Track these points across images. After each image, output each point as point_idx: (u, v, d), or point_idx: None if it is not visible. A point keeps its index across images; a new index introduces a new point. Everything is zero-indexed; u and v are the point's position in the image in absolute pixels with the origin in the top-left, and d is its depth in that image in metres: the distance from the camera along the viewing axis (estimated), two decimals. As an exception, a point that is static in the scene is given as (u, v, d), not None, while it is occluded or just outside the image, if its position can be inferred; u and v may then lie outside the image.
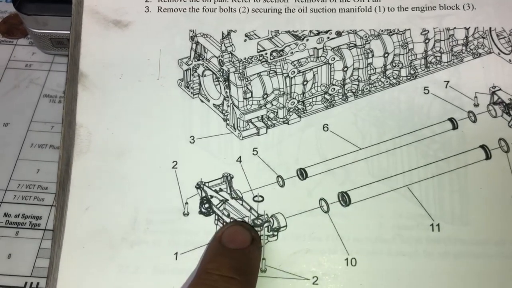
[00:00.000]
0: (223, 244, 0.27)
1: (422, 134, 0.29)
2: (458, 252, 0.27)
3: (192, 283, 0.27)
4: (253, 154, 0.30)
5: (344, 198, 0.29)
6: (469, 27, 0.31)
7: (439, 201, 0.28)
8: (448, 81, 0.30)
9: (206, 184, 0.30)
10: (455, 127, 0.29)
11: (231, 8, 0.32)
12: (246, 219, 0.29)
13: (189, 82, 0.31)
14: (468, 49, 0.30)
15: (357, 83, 0.30)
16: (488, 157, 0.28)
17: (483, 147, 0.29)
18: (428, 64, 0.30)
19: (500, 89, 0.29)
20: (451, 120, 0.29)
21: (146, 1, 0.32)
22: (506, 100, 0.29)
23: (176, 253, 0.28)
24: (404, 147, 0.29)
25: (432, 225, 0.28)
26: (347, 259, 0.28)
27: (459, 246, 0.28)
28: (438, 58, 0.30)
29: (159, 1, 0.32)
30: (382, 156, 0.29)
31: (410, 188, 0.29)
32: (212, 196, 0.29)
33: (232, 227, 0.28)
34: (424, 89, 0.30)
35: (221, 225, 0.29)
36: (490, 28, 0.30)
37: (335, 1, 0.31)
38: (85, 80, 0.31)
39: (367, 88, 0.30)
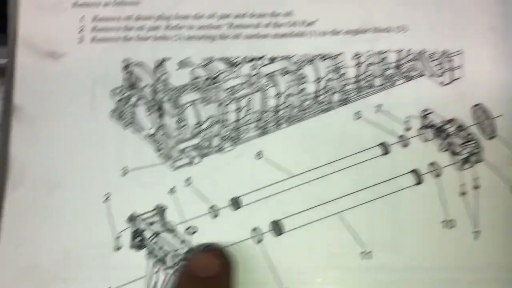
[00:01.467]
0: (194, 273, 0.27)
1: (354, 160, 0.29)
2: (389, 279, 0.27)
3: None
4: (186, 184, 0.29)
5: (277, 227, 0.28)
6: (402, 50, 0.30)
7: (370, 228, 0.28)
8: (380, 105, 0.30)
9: (139, 217, 0.29)
10: (386, 152, 0.29)
11: (165, 36, 0.31)
12: (179, 252, 0.28)
13: (122, 113, 0.31)
14: (400, 72, 0.30)
15: (290, 109, 0.30)
16: (419, 182, 0.28)
17: (414, 172, 0.28)
18: (360, 89, 0.30)
19: (431, 112, 0.29)
20: (382, 145, 0.29)
21: (79, 32, 0.32)
22: (438, 123, 0.29)
23: (109, 288, 0.28)
24: (336, 173, 0.29)
25: (363, 252, 0.28)
26: (280, 289, 0.28)
27: (391, 273, 0.27)
28: (370, 82, 0.30)
29: (92, 32, 0.32)
30: (314, 183, 0.29)
31: (341, 216, 0.28)
32: (144, 229, 0.29)
33: (200, 255, 0.28)
34: (356, 114, 0.30)
35: (153, 259, 0.29)
36: (422, 50, 0.30)
37: (268, 27, 0.31)
38: (19, 112, 0.31)
39: (299, 114, 0.30)
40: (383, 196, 0.28)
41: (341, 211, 0.28)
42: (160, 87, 0.31)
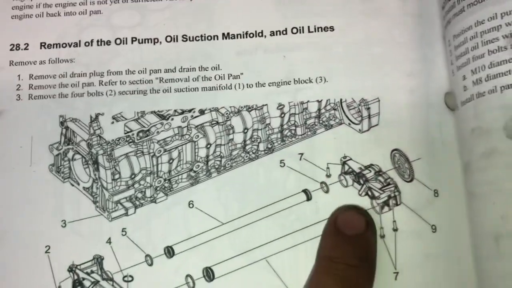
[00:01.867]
0: (341, 230, 0.28)
1: (280, 206, 0.30)
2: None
3: (317, 270, 0.27)
4: (122, 234, 0.31)
5: (208, 273, 0.30)
6: (321, 100, 0.32)
7: (295, 272, 0.29)
8: (302, 153, 0.31)
9: (78, 267, 0.30)
10: (309, 198, 0.31)
11: (98, 92, 0.33)
12: (117, 299, 0.30)
13: (60, 167, 0.32)
14: (321, 121, 0.32)
15: (219, 159, 0.32)
16: (340, 226, 0.30)
17: (335, 216, 0.30)
18: (284, 138, 0.32)
19: (350, 159, 0.31)
20: (305, 191, 0.31)
21: (17, 90, 0.33)
22: (356, 169, 0.31)
23: (51, 338, 0.29)
24: (263, 220, 0.30)
25: (289, 296, 0.29)
26: (212, 334, 0.29)
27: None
28: (293, 131, 0.32)
29: (29, 89, 0.33)
30: (243, 229, 0.30)
31: (268, 260, 0.30)
32: (84, 279, 0.30)
33: (346, 212, 0.29)
34: (281, 162, 0.31)
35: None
36: (341, 99, 0.32)
37: (198, 80, 0.32)
38: (-40, 169, 0.32)
39: (229, 164, 0.32)
40: (306, 241, 0.30)
41: (268, 256, 0.30)
42: (95, 142, 0.32)
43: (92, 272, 0.31)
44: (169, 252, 0.31)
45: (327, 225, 0.29)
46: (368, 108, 0.31)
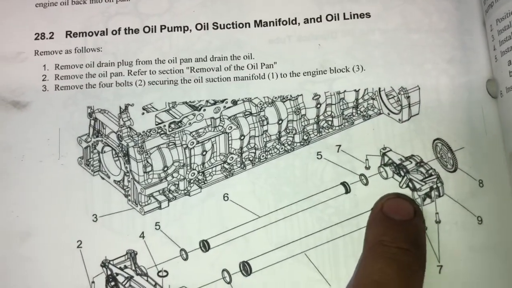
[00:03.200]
0: (389, 216, 0.28)
1: (317, 199, 0.30)
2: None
3: (367, 256, 0.27)
4: (155, 228, 0.30)
5: (245, 268, 0.29)
6: (359, 89, 0.31)
7: (334, 266, 0.29)
8: (339, 145, 0.30)
9: (111, 262, 0.30)
10: (347, 191, 0.30)
11: (127, 82, 0.32)
12: (152, 295, 0.29)
13: (89, 160, 0.31)
14: (359, 112, 0.31)
15: (254, 151, 0.31)
16: (380, 219, 0.29)
17: (375, 209, 0.30)
18: (320, 129, 0.31)
19: (390, 150, 0.30)
20: (343, 184, 0.30)
21: (43, 80, 0.32)
22: (397, 160, 0.30)
23: (85, 333, 0.29)
24: (300, 213, 0.30)
25: (329, 290, 0.29)
26: (250, 328, 0.29)
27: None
28: (330, 122, 0.31)
29: (55, 79, 0.32)
30: (279, 223, 0.30)
31: (307, 254, 0.29)
32: (117, 274, 0.30)
33: (393, 199, 0.29)
34: (317, 154, 0.30)
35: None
36: (379, 88, 0.31)
37: (230, 70, 0.32)
38: (-13, 162, 0.32)
39: (263, 156, 0.31)
40: (345, 234, 0.29)
41: (306, 250, 0.29)
42: (125, 133, 0.31)
43: (126, 267, 0.30)
44: (205, 246, 0.30)
45: (372, 213, 0.29)
46: (408, 97, 0.30)
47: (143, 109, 0.31)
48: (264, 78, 0.31)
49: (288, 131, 0.31)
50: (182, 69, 0.32)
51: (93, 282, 0.30)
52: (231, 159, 0.31)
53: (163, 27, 0.32)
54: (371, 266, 0.26)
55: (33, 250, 0.30)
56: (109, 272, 0.30)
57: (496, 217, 0.29)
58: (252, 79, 0.31)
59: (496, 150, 0.29)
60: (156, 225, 0.30)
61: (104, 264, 0.30)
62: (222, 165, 0.31)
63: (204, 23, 0.32)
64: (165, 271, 0.30)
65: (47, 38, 0.32)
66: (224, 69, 0.32)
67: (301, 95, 0.31)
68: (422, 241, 0.27)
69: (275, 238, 0.30)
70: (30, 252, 0.30)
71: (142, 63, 0.32)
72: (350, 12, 0.32)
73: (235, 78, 0.32)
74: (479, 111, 0.30)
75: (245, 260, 0.29)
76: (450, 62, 0.31)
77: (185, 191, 0.31)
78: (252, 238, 0.30)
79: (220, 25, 0.32)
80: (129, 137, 0.31)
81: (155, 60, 0.32)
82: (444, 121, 0.30)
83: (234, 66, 0.32)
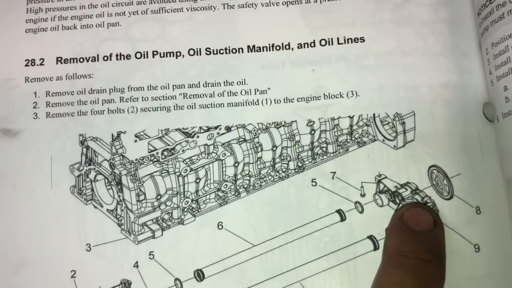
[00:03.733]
0: (408, 226, 0.27)
1: (312, 227, 0.29)
2: None
3: (387, 265, 0.27)
4: (149, 258, 0.30)
5: (241, 297, 0.29)
6: (353, 115, 0.31)
7: (331, 295, 0.29)
8: (334, 172, 0.30)
9: (105, 292, 0.30)
10: (343, 218, 0.30)
11: (120, 109, 0.31)
12: (147, 325, 0.29)
13: (82, 188, 0.31)
14: (353, 138, 0.31)
15: (248, 178, 0.31)
16: (376, 247, 0.29)
17: (370, 237, 0.29)
18: (315, 156, 0.31)
19: (385, 177, 0.30)
20: (338, 212, 0.30)
21: (34, 108, 0.31)
22: (392, 188, 0.29)
23: None
24: (295, 242, 0.29)
25: (325, 319, 0.29)
26: None
27: None
28: (324, 149, 0.31)
29: (47, 107, 0.31)
30: (275, 251, 0.29)
31: (302, 284, 0.29)
32: (111, 304, 0.30)
33: (413, 208, 0.28)
34: (312, 181, 0.30)
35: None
36: (374, 114, 0.31)
37: (223, 96, 0.31)
38: (-21, 192, 0.31)
39: (258, 183, 0.31)
40: (341, 263, 0.29)
41: (302, 280, 0.29)
42: (117, 161, 0.31)
43: (120, 297, 0.30)
44: (199, 275, 0.30)
45: (391, 222, 0.28)
46: (403, 123, 0.30)
47: (136, 136, 0.31)
48: (258, 104, 0.31)
49: (282, 157, 0.31)
50: (175, 95, 0.31)
51: (87, 312, 0.30)
52: (225, 186, 0.31)
53: (155, 52, 0.32)
54: (390, 276, 0.26)
55: (27, 281, 0.30)
56: (103, 303, 0.30)
57: (494, 244, 0.28)
58: (246, 105, 0.31)
59: (494, 176, 0.29)
60: (150, 254, 0.30)
61: (98, 294, 0.30)
62: (216, 192, 0.31)
63: (197, 49, 0.32)
64: (159, 301, 0.30)
65: (37, 65, 0.32)
66: (218, 95, 0.31)
67: (295, 121, 0.31)
68: (442, 252, 0.27)
69: (270, 267, 0.29)
70: (24, 282, 0.30)
71: (134, 89, 0.31)
72: (344, 37, 0.31)
73: (229, 104, 0.31)
74: (475, 136, 0.30)
75: (240, 290, 0.29)
76: (446, 86, 0.30)
77: (179, 220, 0.30)
78: (247, 267, 0.29)
79: (213, 50, 0.32)
80: (122, 165, 0.31)
81: (148, 86, 0.31)
82: (440, 147, 0.30)
83: (228, 92, 0.31)
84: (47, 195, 0.31)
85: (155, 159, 0.31)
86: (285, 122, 0.31)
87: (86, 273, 0.30)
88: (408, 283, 0.25)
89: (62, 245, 0.30)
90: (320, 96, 0.31)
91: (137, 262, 0.30)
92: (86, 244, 0.30)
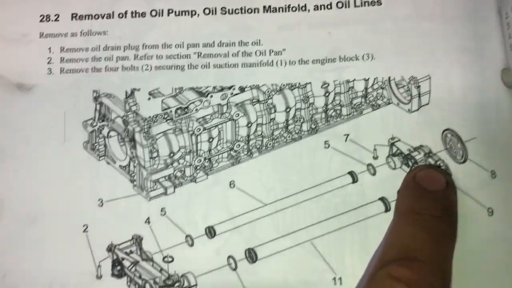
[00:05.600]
0: (421, 185, 0.28)
1: (324, 189, 0.30)
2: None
3: (399, 222, 0.27)
4: (161, 214, 0.30)
5: (251, 255, 0.29)
6: (368, 78, 0.30)
7: (340, 255, 0.29)
8: (347, 135, 0.30)
9: (117, 247, 0.30)
10: (354, 180, 0.30)
11: (134, 67, 0.31)
12: (157, 280, 0.29)
13: (95, 144, 0.31)
14: (368, 101, 0.31)
15: (261, 138, 0.31)
16: (387, 209, 0.29)
17: (382, 199, 0.29)
18: (329, 118, 0.31)
19: (399, 140, 0.30)
20: (350, 173, 0.30)
21: (48, 63, 0.31)
22: (405, 151, 0.30)
23: (91, 316, 0.29)
24: (306, 202, 0.30)
25: (334, 278, 0.29)
26: (254, 315, 0.29)
27: (360, 299, 0.29)
28: (338, 111, 0.31)
29: (61, 62, 0.31)
30: (286, 211, 0.30)
31: (313, 243, 0.29)
32: (123, 259, 0.30)
33: (426, 169, 0.29)
34: (325, 143, 0.30)
35: (134, 287, 0.29)
36: (389, 77, 0.30)
37: (237, 56, 0.31)
38: (-7, 146, 0.31)
39: (270, 144, 0.31)
40: (352, 224, 0.29)
41: (312, 239, 0.29)
42: (131, 118, 0.31)
43: (132, 252, 0.30)
44: (210, 232, 0.30)
45: (404, 181, 0.29)
46: (418, 87, 0.30)
47: (150, 94, 0.31)
48: (273, 65, 0.31)
49: (296, 119, 0.31)
50: (189, 54, 0.31)
51: (99, 266, 0.30)
52: (238, 146, 0.31)
53: (170, 11, 0.32)
54: (402, 231, 0.26)
55: (42, 233, 0.30)
56: (115, 257, 0.30)
57: (508, 208, 0.28)
58: (260, 66, 0.31)
59: (510, 140, 0.29)
60: (162, 211, 0.30)
61: (110, 249, 0.30)
62: (229, 152, 0.31)
63: (212, 8, 0.32)
64: (170, 256, 0.30)
65: (52, 21, 0.32)
66: (232, 55, 0.31)
67: (310, 83, 0.31)
68: (454, 211, 0.27)
69: (281, 226, 0.30)
70: (39, 234, 0.30)
71: (148, 47, 0.31)
72: (361, 0, 0.31)
73: (243, 65, 0.31)
74: (492, 101, 0.29)
75: (251, 247, 0.29)
76: (463, 51, 0.30)
77: (191, 178, 0.31)
78: (258, 225, 0.30)
79: (229, 10, 0.32)
80: (135, 122, 0.31)
81: (162, 44, 0.31)
82: (454, 111, 0.30)
83: (242, 52, 0.31)
84: (60, 150, 0.31)
85: (168, 117, 0.31)
86: (299, 83, 0.31)
87: (98, 228, 0.30)
88: (420, 237, 0.25)
89: (75, 200, 0.30)
90: (335, 59, 0.31)
91: (148, 218, 0.30)
92: (99, 199, 0.30)
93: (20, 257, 0.30)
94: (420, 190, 0.27)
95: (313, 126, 0.31)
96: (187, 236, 0.30)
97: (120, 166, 0.31)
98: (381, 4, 0.31)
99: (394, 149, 0.30)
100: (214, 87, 0.31)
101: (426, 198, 0.27)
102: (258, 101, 0.31)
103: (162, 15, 0.32)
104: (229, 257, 0.29)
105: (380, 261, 0.26)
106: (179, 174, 0.31)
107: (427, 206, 0.26)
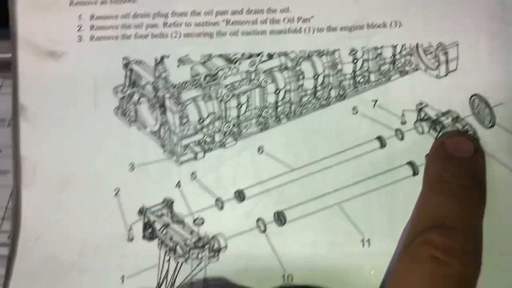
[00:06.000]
0: (449, 153, 0.28)
1: (352, 154, 0.30)
2: (387, 265, 0.29)
3: (427, 191, 0.28)
4: (191, 178, 0.31)
5: (280, 217, 0.30)
6: (396, 45, 0.31)
7: (369, 217, 0.29)
8: (376, 100, 0.30)
9: (148, 210, 0.31)
10: (383, 145, 0.30)
11: (163, 34, 0.32)
12: (188, 242, 0.30)
13: (125, 110, 0.32)
14: (396, 67, 0.31)
15: (289, 105, 0.31)
16: (415, 173, 0.29)
17: (410, 163, 0.30)
18: (357, 84, 0.31)
19: (427, 105, 0.30)
20: (378, 138, 0.30)
21: (78, 31, 0.32)
22: (433, 116, 0.30)
23: (123, 277, 0.30)
24: (335, 167, 0.30)
25: (362, 240, 0.29)
26: (283, 275, 0.29)
27: (389, 259, 0.29)
28: (366, 77, 0.31)
29: (91, 30, 0.32)
30: (314, 176, 0.30)
31: (341, 206, 0.30)
32: (154, 221, 0.31)
33: (454, 136, 0.29)
34: (353, 109, 0.30)
35: (164, 249, 0.30)
36: (417, 44, 0.31)
37: (266, 23, 0.31)
38: (25, 112, 0.32)
39: (298, 110, 0.31)
40: (380, 187, 0.30)
41: (341, 202, 0.30)
42: (161, 85, 0.31)
43: (162, 215, 0.31)
44: (240, 196, 0.31)
45: (432, 149, 0.29)
46: (446, 53, 0.30)
47: (179, 61, 0.31)
48: (301, 32, 0.31)
49: (324, 85, 0.31)
50: (218, 22, 0.31)
51: (130, 229, 0.31)
52: (266, 112, 0.31)
53: (199, -22, 0.32)
54: (431, 200, 0.27)
55: (74, 197, 0.31)
56: (146, 220, 0.31)
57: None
58: (288, 32, 0.31)
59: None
60: (192, 175, 0.31)
61: (142, 212, 0.31)
62: (257, 118, 0.31)
63: (241, -25, 0.32)
64: (201, 219, 0.31)
65: (82, -12, 0.32)
66: (260, 22, 0.31)
67: (338, 50, 0.31)
68: (482, 178, 0.28)
69: (309, 190, 0.30)
70: (71, 198, 0.31)
71: (177, 15, 0.32)
72: (390, -34, 0.31)
73: (271, 32, 0.31)
74: (519, 68, 0.30)
75: (279, 210, 0.30)
76: (491, 18, 0.30)
77: (221, 143, 0.31)
78: (287, 189, 0.30)
79: (257, -24, 0.32)
80: (165, 88, 0.31)
81: (191, 12, 0.31)
82: (482, 77, 0.30)
83: (271, 20, 0.31)
84: (91, 115, 0.31)
85: (197, 84, 0.31)
86: (327, 50, 0.31)
87: (130, 191, 0.31)
88: (449, 205, 0.26)
89: (106, 164, 0.31)
90: (363, 26, 0.31)
91: (179, 182, 0.31)
92: (130, 164, 0.31)
93: (53, 220, 0.31)
94: (448, 158, 0.28)
95: (341, 93, 0.31)
96: (217, 199, 0.31)
97: (150, 131, 0.32)
98: (409, -30, 0.31)
99: (422, 114, 0.30)
100: (243, 54, 0.31)
101: (454, 165, 0.27)
102: (286, 68, 0.31)
103: (191, -18, 0.32)
104: (258, 219, 0.30)
105: (414, 229, 0.26)
106: (208, 139, 0.31)
107: (455, 174, 0.27)
